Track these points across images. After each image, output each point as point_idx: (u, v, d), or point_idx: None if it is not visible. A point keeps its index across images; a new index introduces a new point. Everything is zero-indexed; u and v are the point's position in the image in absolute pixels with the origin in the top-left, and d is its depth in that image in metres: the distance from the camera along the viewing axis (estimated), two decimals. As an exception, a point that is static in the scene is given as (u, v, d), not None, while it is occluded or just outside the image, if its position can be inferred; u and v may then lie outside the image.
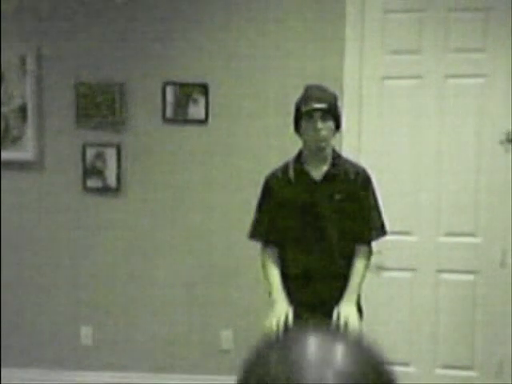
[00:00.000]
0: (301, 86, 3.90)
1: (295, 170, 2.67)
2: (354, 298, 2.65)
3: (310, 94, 2.58)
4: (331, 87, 3.87)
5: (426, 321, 3.84)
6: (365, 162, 3.85)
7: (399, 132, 3.81)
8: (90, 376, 4.10)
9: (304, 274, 2.71)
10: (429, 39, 3.75)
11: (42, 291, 4.12)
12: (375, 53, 3.81)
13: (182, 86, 3.92)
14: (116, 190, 4.01)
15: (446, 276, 3.82)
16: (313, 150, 2.60)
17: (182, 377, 4.08)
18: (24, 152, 3.99)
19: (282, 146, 3.94)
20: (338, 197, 2.63)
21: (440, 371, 3.85)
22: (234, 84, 3.95)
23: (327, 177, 2.64)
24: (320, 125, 2.54)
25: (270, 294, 2.75)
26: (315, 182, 2.65)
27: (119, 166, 4.00)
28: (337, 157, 2.68)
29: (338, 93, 3.87)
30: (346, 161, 2.70)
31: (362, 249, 2.70)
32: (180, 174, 4.01)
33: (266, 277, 2.74)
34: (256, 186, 3.97)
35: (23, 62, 3.95)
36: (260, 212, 2.75)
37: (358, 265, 2.68)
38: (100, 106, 3.95)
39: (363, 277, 2.69)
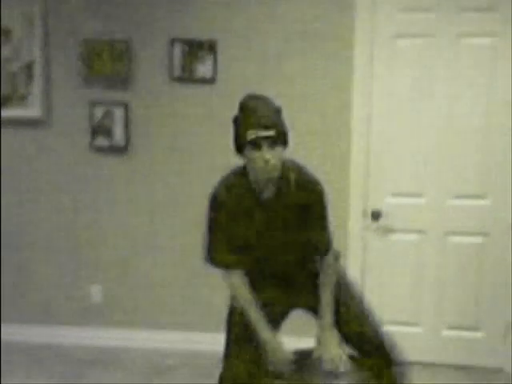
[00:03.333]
0: (310, 47, 3.84)
1: (242, 193, 2.42)
2: (331, 319, 2.49)
3: (253, 115, 2.26)
4: (342, 45, 3.81)
5: (433, 282, 3.84)
6: (375, 122, 3.80)
7: (410, 91, 3.75)
8: (99, 332, 4.16)
9: (261, 300, 2.60)
10: (443, -4, 3.66)
11: (51, 249, 4.15)
12: (387, 10, 3.72)
13: (190, 42, 3.86)
14: (123, 149, 4.00)
15: (454, 238, 3.80)
16: (262, 177, 2.32)
17: (191, 334, 4.13)
18: (31, 109, 3.98)
19: (291, 106, 3.90)
20: (287, 217, 2.44)
21: (447, 332, 3.87)
22: (242, 42, 3.89)
23: (276, 198, 2.42)
24: (269, 155, 2.25)
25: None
26: (264, 205, 2.42)
27: (126, 125, 3.98)
28: (286, 174, 2.43)
29: (349, 51, 3.80)
30: (296, 175, 2.44)
31: (322, 262, 2.53)
32: (187, 132, 3.99)
33: (245, 307, 2.50)
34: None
35: (30, 18, 3.91)
36: (216, 237, 2.48)
37: (323, 280, 2.52)
38: (107, 63, 3.91)
39: (332, 288, 2.53)
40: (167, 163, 4.02)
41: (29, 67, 3.95)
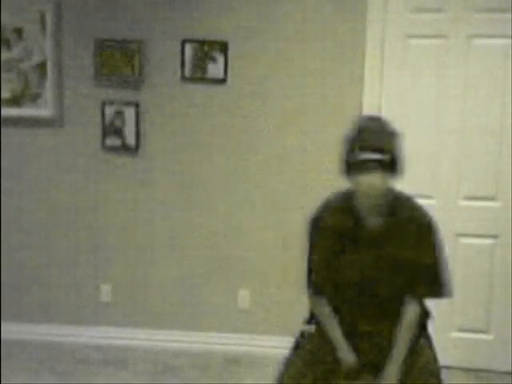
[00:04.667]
0: (322, 47, 3.84)
1: (344, 218, 2.31)
2: (395, 370, 2.28)
3: (364, 137, 2.14)
4: (353, 45, 3.80)
5: (443, 284, 3.83)
6: (386, 123, 3.79)
7: (422, 92, 3.74)
8: (109, 332, 4.18)
9: (350, 331, 2.40)
10: (455, -3, 3.66)
11: (61, 248, 4.17)
12: (399, 10, 3.72)
13: (202, 43, 3.87)
14: (135, 149, 4.01)
15: (465, 240, 3.79)
16: (366, 202, 2.21)
17: (199, 334, 4.13)
18: (43, 109, 4.00)
19: (302, 107, 3.90)
20: (392, 251, 2.28)
21: (456, 334, 3.86)
22: (254, 42, 3.89)
23: (382, 229, 2.28)
24: (376, 179, 2.11)
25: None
26: (368, 235, 2.30)
27: (138, 125, 3.99)
28: (395, 204, 2.29)
29: (360, 51, 3.80)
30: (406, 207, 2.31)
31: (410, 308, 2.32)
32: (198, 132, 4.00)
33: (330, 334, 2.39)
34: (274, 146, 3.94)
35: (43, 18, 3.93)
36: (313, 261, 2.40)
37: (404, 330, 2.31)
38: (119, 63, 3.93)
39: (409, 341, 2.32)
40: (178, 163, 4.03)
41: (41, 66, 3.97)
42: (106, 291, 4.17)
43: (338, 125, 3.87)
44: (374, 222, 2.28)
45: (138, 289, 4.16)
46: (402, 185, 3.78)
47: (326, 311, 2.40)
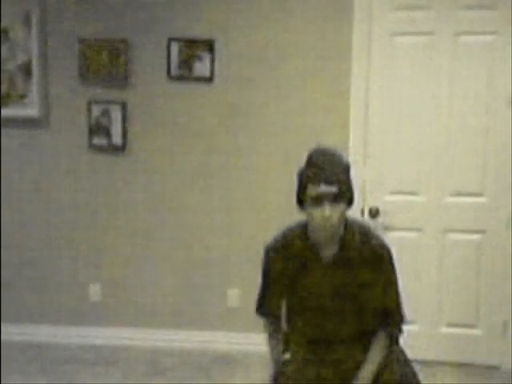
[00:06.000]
0: (309, 45, 3.84)
1: (300, 248, 2.33)
2: None
3: (317, 170, 2.15)
4: (340, 43, 3.81)
5: (431, 280, 3.85)
6: (373, 120, 3.80)
7: (408, 90, 3.76)
8: (98, 332, 4.16)
9: (312, 357, 2.42)
10: (440, -6, 3.67)
11: (49, 249, 4.15)
12: (385, 8, 3.73)
13: (188, 42, 3.86)
14: (121, 148, 4.00)
15: (452, 236, 3.81)
16: (321, 235, 2.22)
17: (189, 333, 4.13)
18: (29, 109, 3.98)
19: (288, 105, 3.90)
20: (348, 281, 2.30)
21: (445, 329, 3.88)
22: (240, 41, 3.89)
23: (337, 259, 2.30)
24: (329, 211, 2.13)
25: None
26: (324, 265, 2.31)
27: (124, 124, 3.98)
28: (349, 233, 2.30)
29: (346, 49, 3.81)
30: (361, 235, 2.32)
31: (379, 338, 2.36)
32: (185, 131, 3.99)
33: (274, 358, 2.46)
34: (261, 145, 3.95)
35: (28, 17, 3.91)
36: (266, 289, 2.43)
37: (373, 353, 2.34)
38: (105, 62, 3.91)
39: (376, 364, 2.34)
40: (165, 162, 4.03)
41: (27, 66, 3.95)
42: (94, 291, 4.16)
43: (326, 122, 3.88)
44: (329, 252, 2.30)
45: (127, 288, 4.15)
46: (390, 182, 3.81)
47: (272, 331, 2.48)
